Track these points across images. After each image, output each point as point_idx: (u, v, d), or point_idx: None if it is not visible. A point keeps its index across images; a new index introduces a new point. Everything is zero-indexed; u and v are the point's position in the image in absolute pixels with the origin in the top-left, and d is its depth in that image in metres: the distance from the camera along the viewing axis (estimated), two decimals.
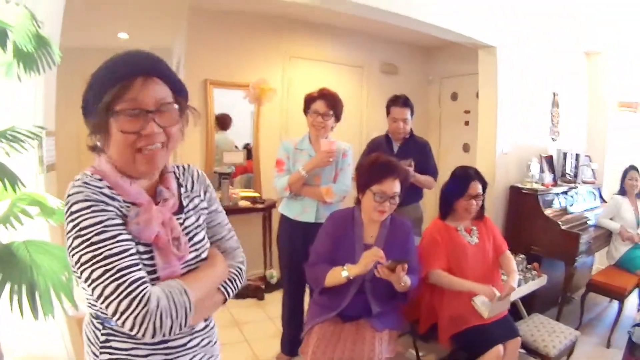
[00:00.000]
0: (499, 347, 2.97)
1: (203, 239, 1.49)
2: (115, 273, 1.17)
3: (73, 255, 1.20)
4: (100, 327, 1.33)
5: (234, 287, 1.52)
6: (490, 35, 4.94)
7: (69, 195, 1.22)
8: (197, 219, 1.49)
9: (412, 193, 4.11)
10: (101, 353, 1.32)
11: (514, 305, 4.06)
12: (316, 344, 2.72)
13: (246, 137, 6.06)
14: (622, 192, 5.29)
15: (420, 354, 3.63)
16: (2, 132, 1.68)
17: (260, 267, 5.79)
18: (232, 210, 5.03)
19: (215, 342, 1.55)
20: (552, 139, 5.93)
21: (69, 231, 1.20)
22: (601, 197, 6.12)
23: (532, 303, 4.40)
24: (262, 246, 5.77)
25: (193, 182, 1.54)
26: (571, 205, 5.38)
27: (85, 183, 1.24)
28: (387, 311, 2.97)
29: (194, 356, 1.43)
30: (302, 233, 3.47)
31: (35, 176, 2.00)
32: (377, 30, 6.36)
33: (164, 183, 1.42)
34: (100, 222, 1.19)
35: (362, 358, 2.62)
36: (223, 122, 5.82)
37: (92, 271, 1.17)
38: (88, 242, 1.17)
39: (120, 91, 1.22)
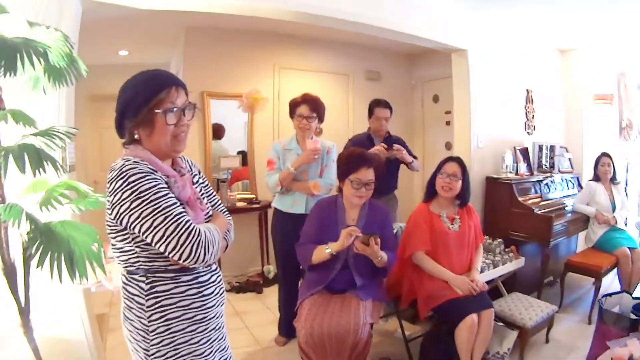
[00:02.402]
0: (473, 316, 3.28)
1: (207, 202, 1.98)
2: (174, 217, 1.61)
3: (131, 214, 1.60)
4: (143, 279, 1.72)
5: (230, 238, 1.98)
6: (461, 40, 5.27)
7: (123, 171, 1.61)
8: (200, 190, 1.98)
9: (386, 185, 4.52)
10: (147, 300, 1.71)
11: (495, 287, 4.39)
12: (307, 313, 3.08)
13: (239, 145, 6.39)
14: (596, 178, 5.57)
15: (407, 332, 3.90)
16: (45, 131, 2.08)
17: (258, 264, 6.15)
18: (230, 211, 5.29)
19: (222, 282, 1.99)
20: (528, 132, 6.27)
21: (127, 197, 1.59)
22: (579, 184, 6.42)
23: (514, 285, 4.65)
24: (260, 244, 6.11)
25: (190, 165, 2.01)
26: (548, 192, 5.70)
27: (136, 162, 1.65)
28: (370, 284, 3.36)
29: (215, 289, 1.88)
30: (294, 224, 3.78)
31: (59, 174, 2.36)
32: (360, 40, 6.68)
33: (177, 164, 1.90)
34: (155, 185, 1.62)
35: (348, 323, 2.97)
36: (217, 131, 6.15)
37: (155, 219, 1.58)
38: (148, 200, 1.59)
39: (167, 96, 1.72)
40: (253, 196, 6.12)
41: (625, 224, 5.63)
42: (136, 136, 1.75)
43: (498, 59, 5.76)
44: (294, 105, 4.06)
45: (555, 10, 5.30)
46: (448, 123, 7.01)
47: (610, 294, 3.55)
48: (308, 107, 3.97)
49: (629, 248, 5.08)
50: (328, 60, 6.90)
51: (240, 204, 5.80)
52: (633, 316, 3.20)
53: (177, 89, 1.76)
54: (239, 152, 6.38)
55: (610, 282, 5.46)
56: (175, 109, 1.73)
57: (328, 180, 3.99)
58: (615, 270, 5.20)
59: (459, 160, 3.81)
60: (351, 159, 3.41)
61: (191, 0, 3.58)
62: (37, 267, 1.94)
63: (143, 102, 1.69)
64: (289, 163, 3.94)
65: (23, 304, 2.29)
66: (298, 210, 3.97)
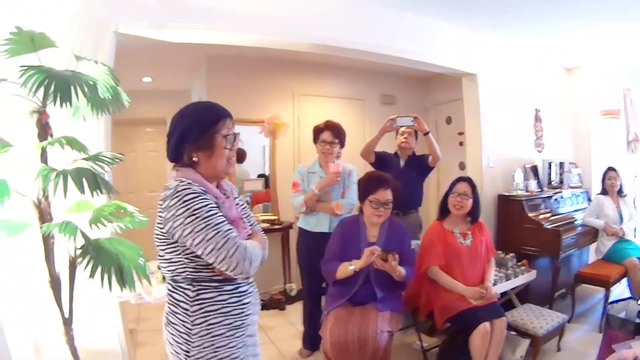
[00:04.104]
0: (485, 325, 3.49)
1: (247, 222, 2.19)
2: (225, 232, 1.82)
3: (185, 229, 1.80)
4: (189, 287, 1.89)
5: (265, 254, 2.13)
6: (469, 64, 5.50)
7: (178, 191, 1.81)
8: (240, 211, 2.17)
9: (410, 203, 4.68)
10: (193, 305, 1.88)
11: (509, 299, 4.62)
12: (332, 324, 3.32)
13: (259, 169, 6.65)
14: (604, 191, 5.77)
15: (425, 344, 4.10)
16: (94, 156, 2.33)
17: (280, 282, 6.29)
18: None
19: (257, 294, 2.20)
20: (538, 151, 6.46)
21: (181, 213, 1.79)
22: (589, 198, 6.56)
23: (527, 298, 4.82)
24: (282, 263, 6.25)
25: (231, 189, 2.23)
26: (558, 207, 5.88)
27: (190, 183, 1.85)
28: (389, 297, 3.59)
29: (251, 299, 2.07)
30: (318, 242, 4.00)
31: (110, 197, 2.55)
32: (375, 66, 6.92)
33: (221, 188, 2.11)
34: (207, 204, 1.83)
35: (367, 332, 3.21)
36: (240, 156, 6.35)
37: (207, 233, 1.79)
38: (201, 217, 1.79)
39: (224, 124, 1.98)
40: (275, 217, 6.33)
41: (635, 236, 5.79)
42: (195, 158, 1.95)
43: (507, 81, 5.96)
44: (317, 132, 4.31)
45: (560, 29, 5.48)
46: (461, 144, 7.10)
47: (617, 301, 3.73)
48: (331, 134, 4.21)
49: (637, 258, 5.23)
50: (344, 86, 7.15)
51: (262, 225, 5.83)
52: (638, 320, 3.37)
53: (230, 120, 2.02)
54: (259, 176, 6.61)
55: (621, 292, 5.55)
56: (230, 135, 1.98)
57: (350, 200, 4.22)
58: (626, 280, 5.34)
59: (469, 180, 4.04)
60: (370, 181, 3.68)
61: (215, 34, 3.85)
62: (89, 277, 2.15)
63: (206, 128, 1.93)
64: (312, 185, 4.18)
65: (67, 315, 2.47)
66: (322, 229, 4.19)
